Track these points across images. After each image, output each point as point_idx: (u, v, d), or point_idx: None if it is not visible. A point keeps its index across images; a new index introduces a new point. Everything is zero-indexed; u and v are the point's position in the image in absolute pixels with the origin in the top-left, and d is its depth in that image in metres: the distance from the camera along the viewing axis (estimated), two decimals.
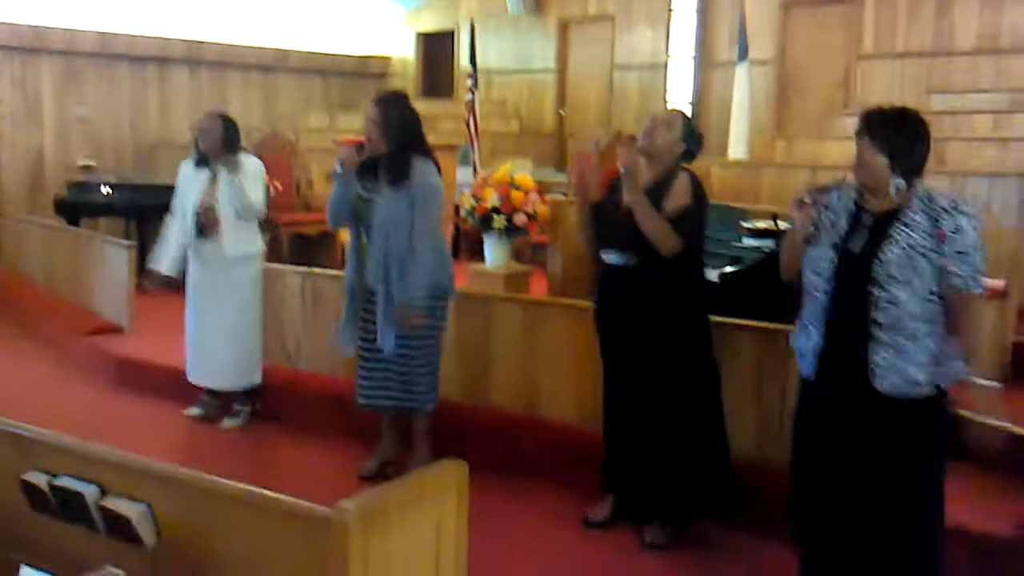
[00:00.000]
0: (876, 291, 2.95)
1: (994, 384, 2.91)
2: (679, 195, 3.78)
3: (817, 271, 3.09)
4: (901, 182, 2.97)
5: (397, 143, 4.23)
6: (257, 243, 5.33)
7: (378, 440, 4.69)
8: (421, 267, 4.22)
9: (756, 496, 4.00)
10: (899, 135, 3.00)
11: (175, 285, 5.35)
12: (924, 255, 2.92)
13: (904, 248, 2.93)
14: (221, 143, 5.10)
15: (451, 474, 2.52)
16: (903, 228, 2.95)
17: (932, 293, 2.94)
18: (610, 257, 3.88)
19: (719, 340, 4.16)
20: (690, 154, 3.91)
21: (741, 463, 4.09)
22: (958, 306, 2.95)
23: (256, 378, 5.39)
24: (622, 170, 3.77)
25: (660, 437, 3.87)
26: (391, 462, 4.64)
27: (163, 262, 5.21)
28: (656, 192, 3.78)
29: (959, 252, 2.90)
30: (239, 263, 5.20)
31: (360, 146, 4.25)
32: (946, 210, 2.93)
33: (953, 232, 2.90)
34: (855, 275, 2.99)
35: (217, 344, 5.22)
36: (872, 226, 3.02)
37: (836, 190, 3.15)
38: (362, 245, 4.38)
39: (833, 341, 3.06)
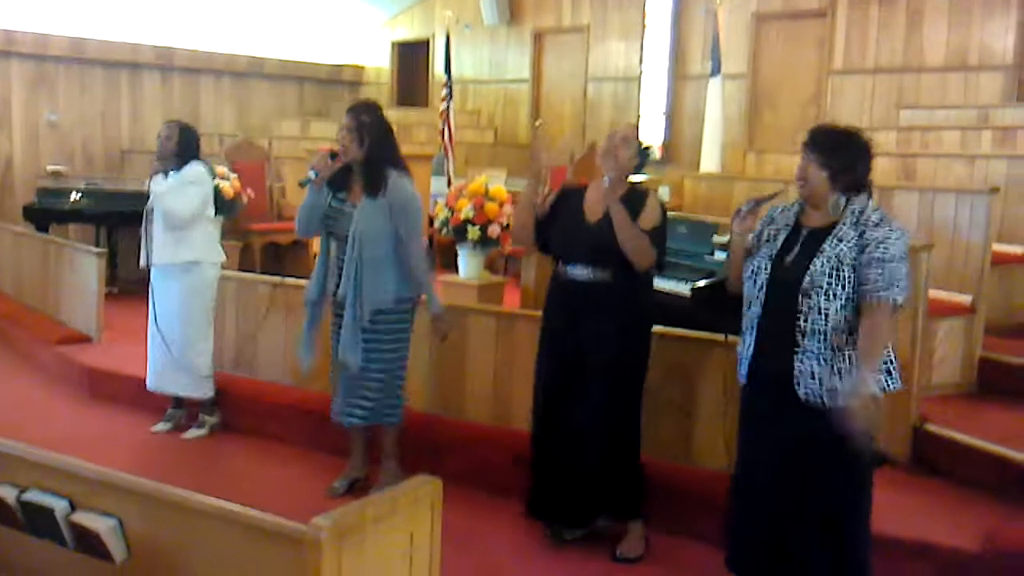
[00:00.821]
0: (802, 300, 3.06)
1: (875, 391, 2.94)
2: (654, 213, 3.85)
3: (753, 281, 3.22)
4: (841, 198, 3.11)
5: (370, 152, 4.23)
6: (208, 251, 5.21)
7: (348, 457, 4.67)
8: (419, 266, 4.29)
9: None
10: (841, 152, 3.12)
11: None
12: (851, 266, 3.03)
13: (830, 259, 3.04)
14: (172, 150, 5.07)
15: (425, 490, 2.51)
16: (834, 241, 3.07)
17: (854, 304, 3.04)
18: (576, 271, 3.90)
19: (688, 353, 4.20)
20: (640, 167, 4.01)
21: (710, 477, 4.12)
22: (871, 315, 3.02)
23: (208, 391, 5.31)
24: (606, 180, 3.80)
25: (592, 439, 3.89)
26: (362, 478, 4.62)
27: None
28: (629, 209, 3.81)
29: (878, 259, 3.00)
30: (182, 271, 5.12)
31: (334, 154, 4.25)
32: (874, 223, 3.05)
33: (876, 242, 3.01)
34: (785, 285, 3.12)
35: (169, 352, 5.17)
36: (806, 239, 3.15)
37: (781, 206, 3.29)
38: (330, 256, 4.37)
39: (762, 348, 3.19)
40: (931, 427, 4.52)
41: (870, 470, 3.18)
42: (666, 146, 11.72)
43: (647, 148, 4.03)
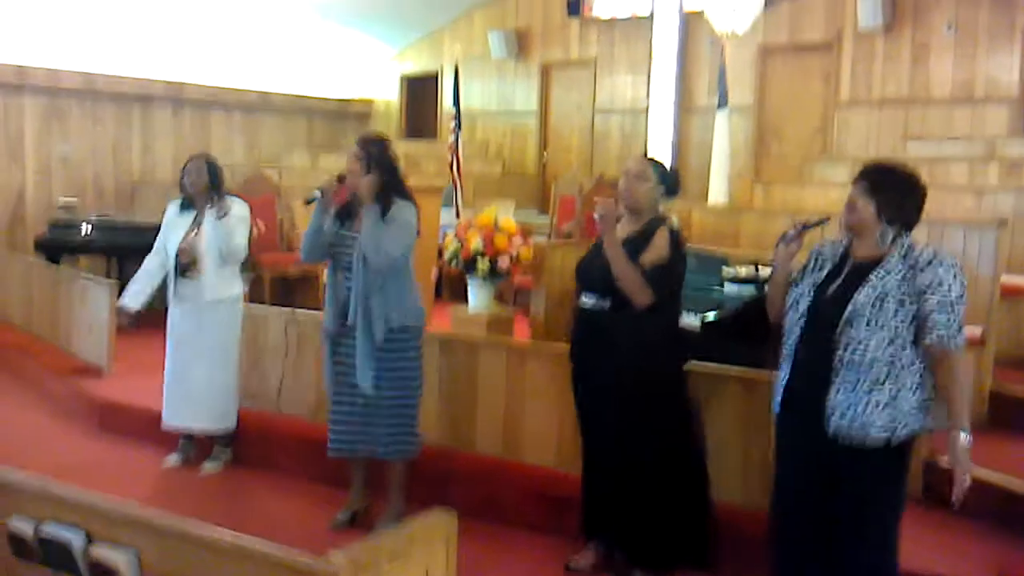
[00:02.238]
0: (842, 331, 3.04)
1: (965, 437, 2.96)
2: (657, 249, 3.83)
3: (795, 309, 3.21)
4: (888, 231, 3.08)
5: (378, 179, 4.28)
6: (237, 286, 5.32)
7: (345, 488, 4.67)
8: (371, 266, 4.22)
9: (740, 543, 4.01)
10: (889, 185, 3.11)
11: (142, 319, 5.37)
12: (900, 301, 3.00)
13: (875, 289, 3.02)
14: (206, 185, 5.13)
15: (440, 524, 2.52)
16: (881, 272, 3.04)
17: (901, 341, 3.00)
18: (586, 300, 3.93)
19: (702, 388, 4.20)
20: (671, 191, 4.02)
21: (726, 510, 4.10)
22: (943, 362, 3.01)
23: (231, 423, 5.34)
24: (596, 217, 3.82)
25: (633, 483, 3.88)
26: (363, 510, 4.62)
27: (128, 297, 5.25)
28: (636, 244, 3.84)
29: (940, 303, 2.97)
30: (218, 306, 5.19)
31: (341, 177, 4.30)
32: (927, 262, 3.01)
33: (934, 284, 2.98)
34: (826, 316, 3.09)
35: (194, 387, 5.19)
36: (852, 270, 3.12)
37: (831, 241, 3.27)
38: (338, 286, 4.40)
39: (797, 378, 3.17)
40: (943, 460, 4.50)
41: (898, 510, 3.15)
42: (678, 177, 11.74)
43: (673, 172, 4.05)
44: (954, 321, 2.97)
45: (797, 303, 3.20)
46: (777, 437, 3.34)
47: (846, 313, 3.03)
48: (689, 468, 3.98)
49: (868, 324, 3.00)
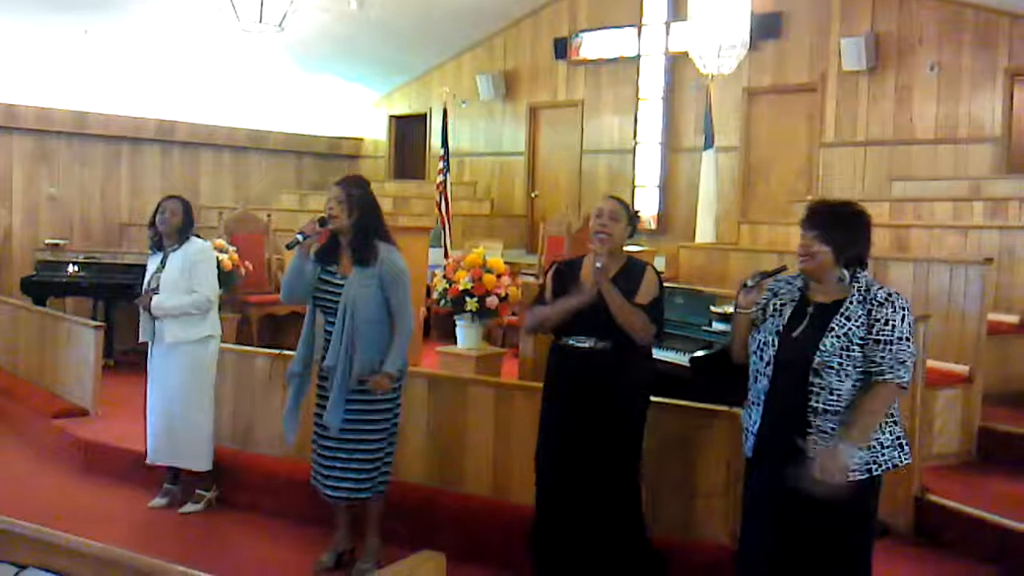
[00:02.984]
0: (814, 379, 3.06)
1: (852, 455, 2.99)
2: (651, 286, 3.92)
3: (759, 355, 3.21)
4: (845, 273, 3.12)
5: (359, 223, 4.29)
6: (204, 328, 5.21)
7: (334, 530, 4.63)
8: (405, 338, 4.28)
9: None
10: (843, 228, 3.14)
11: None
12: (860, 344, 3.03)
13: (840, 338, 3.04)
14: (179, 225, 5.15)
15: (429, 567, 2.49)
16: (842, 319, 3.06)
17: (867, 382, 3.03)
18: (578, 342, 3.93)
19: (691, 424, 4.19)
20: (633, 232, 4.07)
21: (714, 548, 4.08)
22: (875, 388, 3.03)
23: (206, 463, 5.29)
24: (597, 266, 3.84)
25: (594, 510, 3.88)
26: (348, 551, 4.57)
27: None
28: (627, 281, 3.88)
29: (884, 342, 3.02)
30: (181, 347, 5.15)
31: (323, 220, 4.31)
32: (879, 302, 3.06)
33: (882, 322, 3.03)
34: (794, 361, 3.11)
35: (169, 425, 5.18)
36: (814, 315, 3.14)
37: (786, 279, 3.29)
38: (315, 329, 4.38)
39: (770, 423, 3.17)
40: (933, 497, 4.50)
41: (871, 542, 3.18)
42: (660, 217, 11.84)
43: (636, 213, 4.10)
44: (891, 357, 3.01)
45: (761, 350, 3.20)
46: (749, 481, 3.34)
47: (815, 363, 3.05)
48: (637, 495, 4.00)
49: (837, 373, 3.03)
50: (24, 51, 10.28)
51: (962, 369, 5.47)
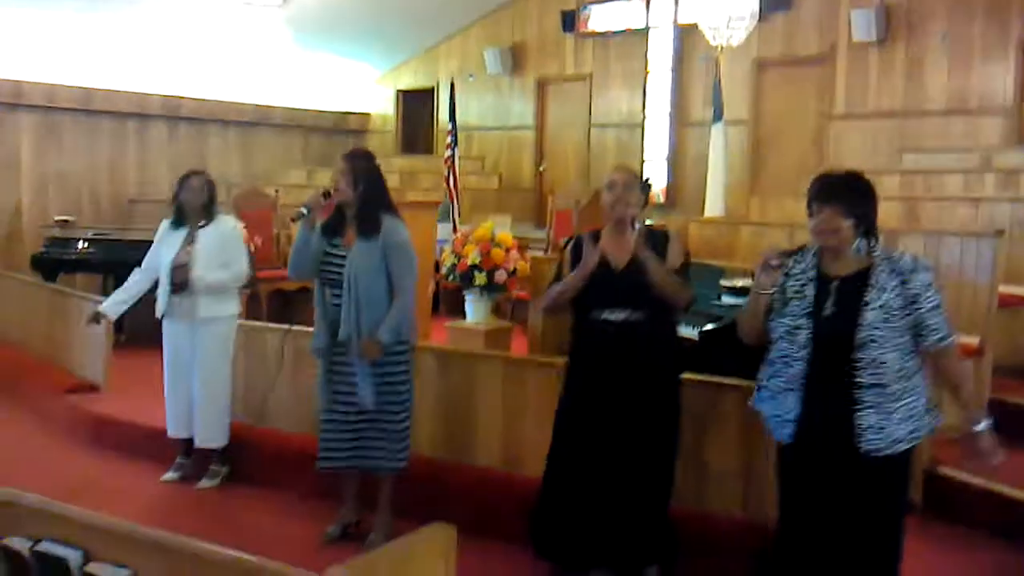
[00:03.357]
0: (859, 354, 3.01)
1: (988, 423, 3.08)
2: (680, 251, 3.96)
3: (791, 339, 3.14)
4: (863, 243, 3.09)
5: (364, 195, 4.30)
6: (232, 305, 5.32)
7: (340, 504, 4.66)
8: (402, 309, 4.30)
9: (736, 554, 4.00)
10: (861, 199, 3.11)
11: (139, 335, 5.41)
12: (898, 315, 3.00)
13: (877, 310, 3.01)
14: (205, 202, 5.15)
15: (439, 538, 2.50)
16: (875, 290, 3.02)
17: (905, 350, 3.03)
18: (612, 315, 3.89)
19: (701, 398, 4.19)
20: (646, 201, 4.05)
21: (725, 521, 4.09)
22: (946, 358, 3.07)
23: (223, 439, 5.33)
24: (634, 232, 3.84)
25: (624, 486, 3.87)
26: (354, 523, 4.61)
27: (108, 303, 5.36)
28: (657, 253, 3.86)
29: (934, 307, 3.02)
30: (212, 323, 5.20)
31: (327, 193, 4.32)
32: (912, 270, 3.04)
33: (923, 288, 3.01)
34: (834, 339, 3.05)
35: (188, 401, 5.22)
36: (840, 289, 3.09)
37: (797, 257, 3.21)
38: (327, 303, 4.40)
39: (814, 407, 3.10)
40: (943, 470, 4.50)
41: (905, 515, 3.18)
42: (669, 191, 11.80)
43: (647, 182, 4.07)
44: (943, 320, 3.04)
45: (793, 334, 3.13)
46: (787, 467, 3.27)
47: (858, 338, 3.00)
48: (671, 471, 3.99)
49: (881, 345, 3.00)
50: (30, 28, 10.25)
51: (972, 341, 5.45)
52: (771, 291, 3.17)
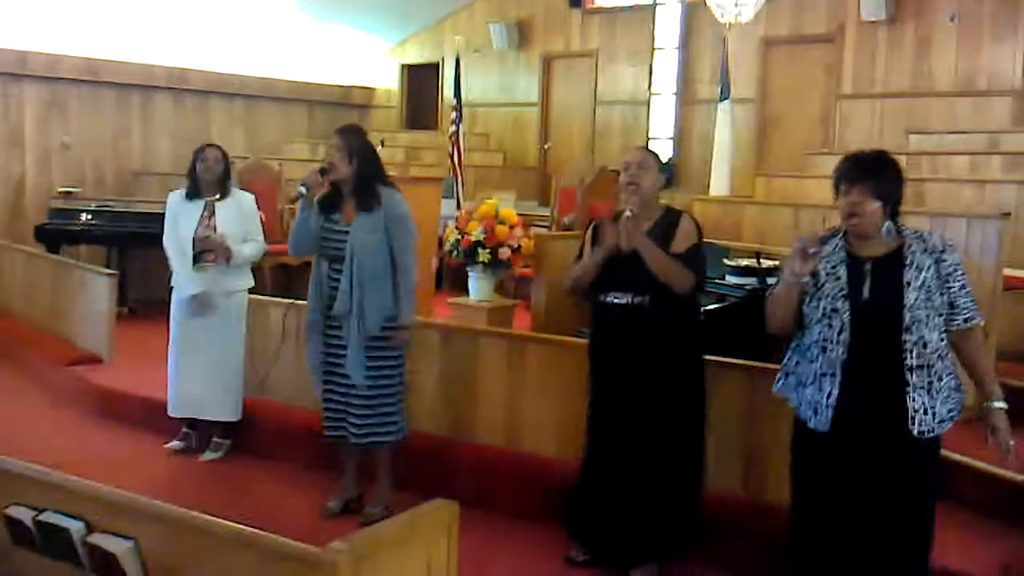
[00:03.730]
0: (906, 336, 2.97)
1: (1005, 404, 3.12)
2: (688, 235, 3.87)
3: (827, 323, 3.07)
4: (891, 224, 3.05)
5: (360, 170, 4.32)
6: (248, 279, 5.35)
7: (341, 476, 4.68)
8: (408, 287, 4.34)
9: (738, 534, 4.01)
10: (888, 179, 3.07)
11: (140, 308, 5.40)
12: (935, 293, 3.00)
13: (919, 289, 2.99)
14: (220, 175, 5.16)
15: (442, 514, 2.51)
16: (913, 269, 3.00)
17: (940, 330, 3.03)
18: (616, 298, 3.88)
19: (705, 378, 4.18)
20: (669, 181, 4.00)
21: (726, 500, 4.10)
22: (971, 339, 3.07)
23: (236, 413, 5.35)
24: (627, 215, 3.80)
25: (649, 473, 3.86)
26: (355, 498, 4.63)
27: (186, 287, 5.16)
28: (663, 234, 3.84)
29: (962, 286, 3.03)
30: (229, 297, 5.22)
31: (324, 171, 4.32)
32: (942, 249, 3.03)
33: (953, 268, 3.02)
34: (877, 323, 3.00)
35: (202, 376, 5.21)
36: (874, 270, 3.04)
37: (824, 239, 3.15)
38: (322, 277, 4.41)
39: (855, 392, 3.03)
40: (948, 453, 4.49)
41: (936, 499, 3.16)
42: (674, 169, 11.75)
43: (668, 163, 4.03)
44: (971, 301, 3.05)
45: (830, 318, 3.05)
46: (816, 454, 3.15)
47: (905, 320, 2.96)
48: (696, 457, 3.97)
49: (926, 324, 2.97)
50: None
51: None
52: (806, 279, 3.06)
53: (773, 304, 3.22)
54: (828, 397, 3.06)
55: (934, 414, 3.00)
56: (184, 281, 5.16)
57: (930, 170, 8.49)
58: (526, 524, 4.50)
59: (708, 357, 4.10)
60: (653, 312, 3.81)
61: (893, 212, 3.06)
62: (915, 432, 2.99)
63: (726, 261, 5.69)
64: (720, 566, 4.03)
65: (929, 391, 3.00)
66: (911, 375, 2.99)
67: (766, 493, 4.13)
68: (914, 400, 2.99)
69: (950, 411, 3.05)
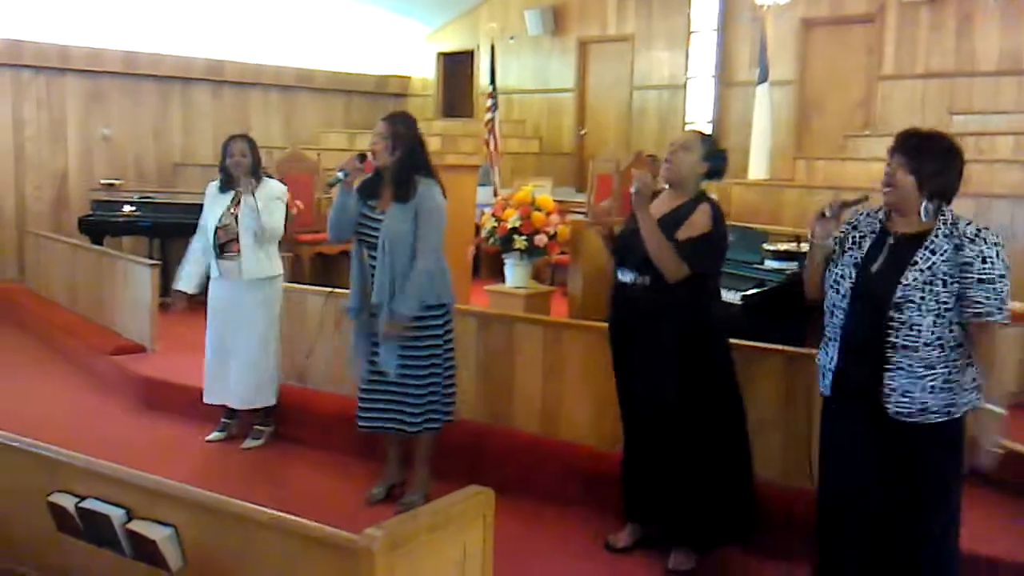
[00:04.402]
0: (894, 314, 2.95)
1: (1001, 411, 2.91)
2: (696, 224, 3.75)
3: (836, 288, 3.10)
4: (930, 205, 2.97)
5: (401, 158, 4.28)
6: (277, 266, 5.36)
7: (384, 463, 4.70)
8: (415, 279, 4.23)
9: (780, 521, 3.98)
10: (929, 156, 2.99)
11: (197, 301, 5.43)
12: (944, 281, 2.91)
13: (923, 272, 2.92)
14: (250, 165, 5.19)
15: (477, 500, 2.52)
16: (927, 253, 2.94)
17: (950, 320, 2.93)
18: (624, 276, 3.88)
19: (742, 364, 4.14)
20: (716, 172, 3.90)
21: (764, 488, 4.07)
22: (981, 334, 2.94)
23: (271, 399, 5.39)
24: (632, 189, 3.76)
25: (674, 461, 3.85)
26: (398, 484, 4.66)
27: (182, 281, 5.32)
28: (674, 219, 3.77)
29: (981, 280, 2.89)
30: (257, 284, 5.25)
31: (363, 156, 4.31)
32: (970, 238, 2.92)
33: (980, 260, 2.89)
34: (872, 296, 3.00)
35: (234, 364, 5.26)
36: (894, 247, 3.02)
37: (866, 211, 3.15)
38: (364, 263, 4.41)
39: (848, 360, 3.07)
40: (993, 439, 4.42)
41: (958, 489, 3.08)
42: (726, 160, 11.63)
43: (722, 151, 3.96)
44: (995, 297, 2.89)
45: (838, 283, 3.09)
46: (826, 420, 3.24)
47: (895, 297, 2.93)
48: (732, 445, 3.92)
49: (919, 308, 2.91)
50: None
51: (1021, 307, 5.35)
52: (826, 243, 3.12)
53: (806, 267, 3.31)
54: (831, 361, 3.12)
55: (913, 399, 2.94)
56: (185, 280, 5.30)
57: (974, 151, 8.34)
58: (563, 510, 4.50)
59: (741, 342, 4.04)
60: (654, 293, 3.75)
61: (934, 193, 2.98)
62: (890, 411, 2.96)
63: (765, 246, 5.63)
64: (759, 552, 4.00)
65: (912, 374, 2.94)
66: (891, 352, 2.96)
67: (803, 480, 4.09)
68: (892, 379, 2.96)
69: (947, 405, 2.94)
